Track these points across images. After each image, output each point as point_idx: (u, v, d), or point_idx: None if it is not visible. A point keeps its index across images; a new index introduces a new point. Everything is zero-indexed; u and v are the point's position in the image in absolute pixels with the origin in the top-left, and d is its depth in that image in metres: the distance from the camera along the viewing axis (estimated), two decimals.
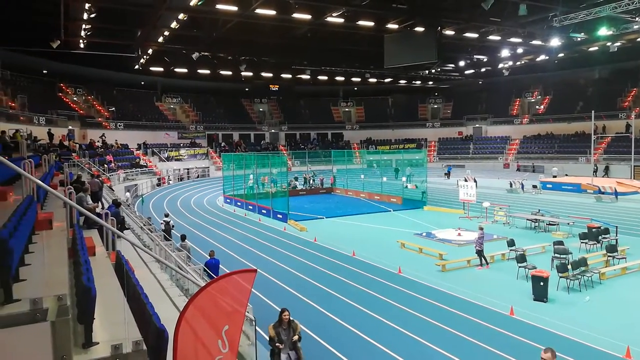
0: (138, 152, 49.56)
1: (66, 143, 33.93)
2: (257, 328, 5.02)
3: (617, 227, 19.45)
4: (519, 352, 9.66)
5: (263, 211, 29.05)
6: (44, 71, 49.51)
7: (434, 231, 22.13)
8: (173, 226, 20.19)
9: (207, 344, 4.26)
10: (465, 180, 28.49)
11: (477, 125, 68.62)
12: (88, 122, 48.66)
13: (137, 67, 47.08)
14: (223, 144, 61.71)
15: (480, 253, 16.13)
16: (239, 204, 32.80)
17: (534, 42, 40.85)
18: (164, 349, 4.22)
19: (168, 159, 52.41)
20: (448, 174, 50.82)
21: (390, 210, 29.45)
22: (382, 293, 13.54)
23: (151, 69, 50.29)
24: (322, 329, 11.04)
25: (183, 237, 15.34)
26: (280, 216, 26.74)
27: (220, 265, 13.42)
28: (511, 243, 17.18)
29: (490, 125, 67.87)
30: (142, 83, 60.39)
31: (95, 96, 54.69)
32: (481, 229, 16.61)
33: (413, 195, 32.84)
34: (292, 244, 20.53)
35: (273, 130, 68.75)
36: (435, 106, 74.24)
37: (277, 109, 72.16)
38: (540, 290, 12.74)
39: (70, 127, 43.11)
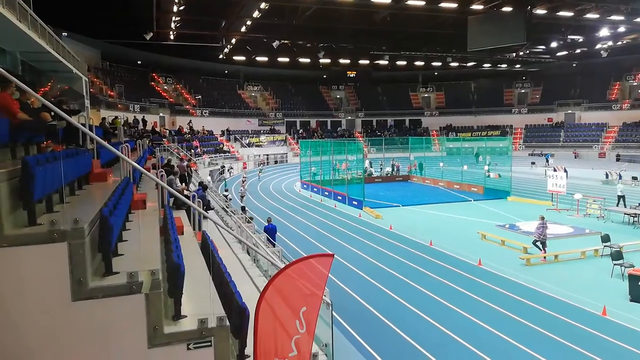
0: (221, 138, 51.88)
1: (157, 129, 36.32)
2: (333, 312, 5.07)
3: None
4: (612, 355, 8.95)
5: (339, 197, 29.24)
6: (138, 62, 53.21)
7: (518, 223, 20.98)
8: (231, 199, 22.18)
9: (285, 324, 4.39)
10: (555, 170, 26.61)
11: (569, 112, 63.66)
12: (177, 109, 51.71)
13: (221, 56, 49.09)
14: (301, 130, 62.78)
15: (538, 243, 15.65)
16: (315, 189, 33.28)
17: (638, 19, 36.85)
18: (245, 326, 4.42)
19: (249, 144, 54.34)
20: (547, 161, 47.26)
21: (470, 200, 28.36)
22: (461, 285, 13.13)
23: (234, 58, 52.19)
24: (398, 318, 10.96)
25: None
26: (356, 203, 26.76)
27: (297, 249, 13.75)
28: (606, 238, 15.84)
29: (585, 112, 62.60)
30: (226, 72, 62.94)
31: (183, 85, 57.92)
32: (542, 218, 15.97)
33: (496, 184, 31.32)
34: (367, 230, 20.50)
35: (349, 117, 68.69)
36: (523, 91, 69.88)
37: (354, 95, 71.90)
38: (638, 290, 11.65)
39: (161, 114, 46.11)
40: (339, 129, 66.49)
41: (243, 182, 29.99)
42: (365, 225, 21.76)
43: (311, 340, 4.57)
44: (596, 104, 61.17)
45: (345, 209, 26.27)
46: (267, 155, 54.40)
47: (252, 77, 65.29)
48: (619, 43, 47.84)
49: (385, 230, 20.57)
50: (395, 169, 40.75)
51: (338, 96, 71.71)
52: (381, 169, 41.56)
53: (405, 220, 22.39)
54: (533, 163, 48.25)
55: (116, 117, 25.65)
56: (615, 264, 13.67)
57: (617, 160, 49.99)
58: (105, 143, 4.93)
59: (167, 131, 40.55)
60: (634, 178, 35.12)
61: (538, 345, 9.45)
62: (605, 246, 15.58)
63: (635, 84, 59.83)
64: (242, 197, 25.92)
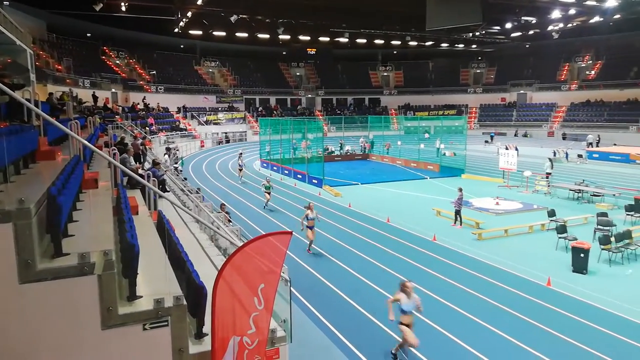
0: (178, 115, 50.51)
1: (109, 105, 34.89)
2: (291, 288, 5.14)
3: None
4: (555, 323, 9.54)
5: (298, 176, 29.28)
6: (88, 34, 50.56)
7: (471, 199, 21.76)
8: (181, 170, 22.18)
9: (244, 301, 4.43)
10: (506, 148, 27.62)
11: (521, 92, 65.85)
12: (130, 85, 49.74)
13: (176, 30, 47.38)
14: (260, 108, 61.97)
15: (457, 213, 17.34)
16: (275, 168, 33.15)
17: (588, 2, 38.24)
18: (202, 304, 4.42)
19: (206, 122, 53.20)
20: (491, 139, 49.61)
21: (426, 178, 29.08)
22: (416, 260, 13.56)
23: (190, 32, 50.49)
24: (356, 293, 11.22)
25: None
26: (316, 181, 26.90)
27: (256, 227, 13.73)
28: (552, 213, 16.71)
29: (536, 92, 64.93)
30: (182, 46, 60.88)
31: (136, 59, 55.64)
32: (460, 190, 17.41)
33: (451, 162, 32.23)
34: (326, 208, 20.69)
35: (309, 95, 68.33)
36: (478, 71, 71.55)
37: (314, 73, 71.41)
38: (580, 262, 12.42)
39: (113, 90, 44.26)
40: (299, 107, 66.09)
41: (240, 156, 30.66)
42: (325, 203, 21.95)
43: (269, 316, 4.63)
44: (546, 85, 63.52)
45: (305, 188, 26.38)
46: (226, 133, 53.46)
47: (209, 52, 63.50)
48: (569, 25, 49.53)
49: (344, 208, 20.84)
50: (363, 149, 41.01)
51: (298, 74, 71.02)
52: (341, 147, 41.80)
53: (364, 198, 22.74)
54: (486, 141, 49.90)
55: (64, 92, 24.43)
56: (559, 237, 14.47)
57: (564, 139, 52.46)
58: (52, 119, 4.72)
59: (120, 108, 39.04)
60: (579, 156, 37.01)
61: (487, 315, 9.94)
62: (551, 220, 16.44)
63: (583, 65, 62.41)
64: (240, 170, 29.00)
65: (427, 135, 46.27)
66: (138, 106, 43.23)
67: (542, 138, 54.51)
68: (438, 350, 8.52)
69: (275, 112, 60.87)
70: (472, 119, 64.57)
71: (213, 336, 4.22)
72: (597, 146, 42.25)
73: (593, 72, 60.69)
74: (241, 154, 31.26)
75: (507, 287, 11.53)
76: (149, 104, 45.89)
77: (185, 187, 12.43)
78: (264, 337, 4.56)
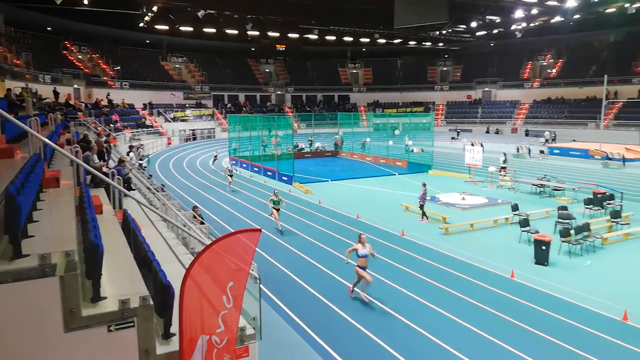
0: (144, 112, 49.41)
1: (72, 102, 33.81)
2: (261, 285, 5.14)
3: (622, 193, 19.39)
4: (519, 313, 9.86)
5: (268, 173, 29.15)
6: (48, 28, 48.80)
7: (438, 195, 22.20)
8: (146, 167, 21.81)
9: (212, 300, 4.39)
10: (472, 145, 28.28)
11: (486, 89, 67.45)
12: (93, 81, 48.35)
13: (142, 25, 46.29)
14: (229, 105, 61.30)
15: (422, 208, 17.70)
16: (244, 165, 32.90)
17: (550, 2, 39.51)
18: (170, 304, 4.36)
19: (174, 119, 52.26)
20: (457, 135, 50.81)
21: (395, 174, 29.46)
22: (385, 254, 13.74)
23: (156, 27, 49.52)
24: (326, 290, 11.29)
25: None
26: (286, 178, 26.85)
27: (225, 225, 13.60)
28: (515, 207, 17.24)
29: (500, 89, 66.67)
30: (148, 42, 59.56)
31: (100, 55, 54.08)
32: (424, 185, 17.83)
33: (419, 159, 32.75)
34: (297, 205, 20.70)
35: (279, 92, 68.06)
36: (445, 69, 72.86)
37: (284, 70, 71.16)
38: (541, 254, 12.87)
39: (75, 86, 42.88)
40: (268, 103, 65.74)
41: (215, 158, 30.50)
42: (295, 200, 21.95)
43: (238, 314, 4.61)
44: (510, 83, 65.28)
45: (275, 185, 26.28)
46: (194, 130, 52.67)
47: (176, 48, 62.32)
48: (532, 25, 51.10)
49: (314, 204, 20.89)
50: (337, 145, 41.13)
51: (267, 70, 70.61)
52: (310, 144, 41.84)
53: (334, 195, 22.86)
54: (453, 138, 50.90)
55: (23, 88, 23.52)
56: (522, 231, 14.95)
57: (526, 135, 54.07)
58: (10, 116, 4.56)
59: (83, 104, 37.84)
60: (541, 152, 38.25)
61: (453, 307, 10.18)
62: (514, 214, 16.96)
63: (545, 64, 64.42)
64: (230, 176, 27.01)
65: (397, 132, 46.91)
66: (102, 102, 42.05)
67: (507, 134, 56.08)
68: (405, 343, 8.67)
69: (244, 108, 60.36)
70: (439, 116, 65.74)
71: (181, 336, 4.17)
72: (553, 142, 43.80)
73: (554, 71, 62.73)
74: (216, 156, 30.63)
75: (473, 279, 11.83)
76: (113, 101, 44.70)
77: (151, 185, 12.19)
78: (233, 335, 4.54)
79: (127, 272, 4.50)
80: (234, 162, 34.70)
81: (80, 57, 51.61)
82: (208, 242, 5.12)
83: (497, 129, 59.00)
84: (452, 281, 11.70)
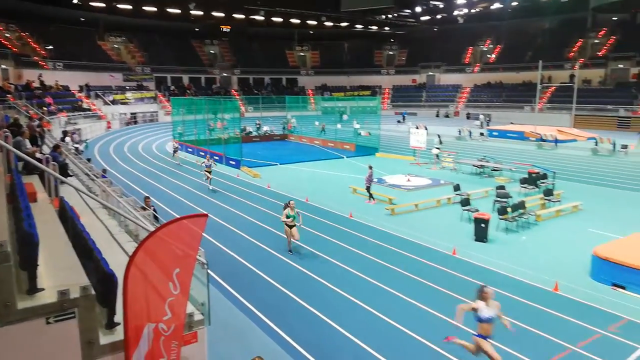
0: (80, 94, 46.83)
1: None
2: (209, 271, 5.09)
3: (554, 172, 20.66)
4: (460, 288, 10.36)
5: (215, 157, 28.59)
6: None
7: (385, 177, 22.70)
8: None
9: (158, 287, 4.31)
10: (417, 128, 29.04)
11: (430, 73, 69.20)
12: (23, 61, 45.15)
13: (76, 1, 43.45)
14: (172, 87, 59.28)
15: (368, 189, 18.02)
16: (189, 150, 32.08)
17: None
18: (113, 293, 4.23)
19: (113, 102, 49.91)
20: (403, 119, 51.96)
21: (343, 157, 29.79)
22: (334, 236, 13.95)
23: (91, 4, 46.68)
24: (276, 273, 11.33)
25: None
26: (234, 162, 26.47)
27: (171, 211, 13.28)
28: (457, 188, 17.96)
29: (443, 74, 68.61)
30: (82, 20, 56.10)
31: (30, 33, 50.42)
32: (370, 167, 18.15)
33: (366, 142, 33.26)
34: (245, 190, 20.52)
35: (225, 74, 66.56)
36: (391, 53, 73.92)
37: (229, 51, 69.51)
38: (481, 231, 13.54)
39: (3, 67, 39.87)
40: (214, 86, 64.15)
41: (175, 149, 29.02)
42: (244, 184, 21.73)
43: (186, 300, 4.56)
44: (453, 67, 67.33)
45: (223, 169, 25.85)
46: (135, 113, 50.59)
47: (114, 27, 59.22)
48: (473, 11, 52.75)
49: (263, 188, 20.78)
50: (291, 129, 40.86)
51: (212, 51, 68.71)
52: (258, 127, 41.39)
53: (283, 178, 22.83)
54: (399, 121, 52.00)
55: None
56: (463, 210, 15.64)
57: (467, 118, 56.20)
58: None
59: (13, 86, 35.35)
60: (481, 134, 39.90)
61: (400, 284, 10.55)
62: (456, 194, 17.67)
63: (485, 49, 66.83)
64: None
65: (345, 117, 47.26)
66: (33, 84, 39.41)
67: (455, 118, 58.00)
68: (354, 320, 8.91)
69: (188, 91, 58.62)
70: (386, 100, 66.84)
71: (126, 325, 4.07)
72: (487, 125, 45.79)
73: (493, 56, 65.26)
74: (177, 148, 29.30)
75: (417, 257, 12.29)
76: (45, 82, 42.00)
77: (90, 170, 11.64)
78: (180, 322, 4.48)
79: (66, 262, 4.31)
80: (179, 146, 33.70)
81: (7, 35, 47.92)
82: (152, 228, 4.99)
83: (447, 113, 60.77)
84: (397, 259, 12.08)
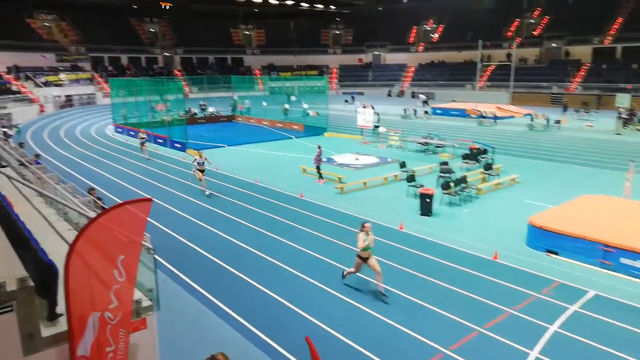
0: (8, 76, 43.64)
1: None
2: (156, 256, 4.99)
3: (494, 148, 21.64)
4: (408, 260, 10.75)
5: (159, 140, 27.72)
6: None
7: (334, 156, 22.90)
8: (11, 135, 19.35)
9: (102, 275, 4.19)
10: (364, 107, 29.37)
11: (376, 53, 69.82)
12: None
13: None
14: (110, 68, 56.43)
15: (318, 169, 18.15)
16: (131, 133, 30.85)
17: None
18: (53, 283, 4.07)
19: (46, 84, 46.91)
20: (352, 99, 52.28)
21: (292, 137, 29.71)
22: (286, 217, 14.00)
23: None
24: (228, 255, 11.25)
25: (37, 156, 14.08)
26: (179, 145, 25.76)
27: (115, 198, 12.80)
28: (403, 165, 18.44)
29: (389, 53, 69.43)
30: None
31: None
32: (319, 147, 18.32)
33: (314, 122, 33.30)
34: (192, 173, 20.04)
35: (167, 54, 64.12)
36: (337, 32, 73.78)
37: (170, 30, 66.81)
38: (426, 206, 14.04)
39: None
40: (155, 66, 61.68)
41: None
42: (190, 167, 21.17)
43: (132, 288, 4.46)
44: (398, 47, 68.25)
45: (167, 153, 25.14)
46: (71, 96, 47.86)
47: (44, 3, 55.23)
48: None
49: (211, 171, 20.37)
50: (236, 110, 40.01)
51: (152, 30, 65.77)
52: (203, 109, 40.37)
53: (231, 160, 22.51)
54: (346, 101, 52.34)
55: None
56: (409, 186, 16.12)
57: (413, 97, 57.45)
58: None
59: None
60: (426, 112, 40.95)
61: (348, 260, 10.76)
62: (402, 171, 18.15)
63: (428, 29, 68.09)
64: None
65: (293, 97, 46.91)
66: None
67: (402, 97, 59.01)
68: (305, 298, 9.05)
69: (128, 71, 56.03)
70: (333, 79, 66.94)
71: (69, 316, 3.94)
72: (427, 104, 47.04)
73: (437, 36, 66.68)
74: (143, 140, 23.97)
75: None
76: None
77: (22, 157, 10.96)
78: (127, 309, 4.39)
79: (1, 254, 4.09)
80: (119, 129, 32.29)
81: None
82: (93, 215, 4.81)
83: (399, 92, 61.65)
84: (346, 236, 12.30)
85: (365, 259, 9.11)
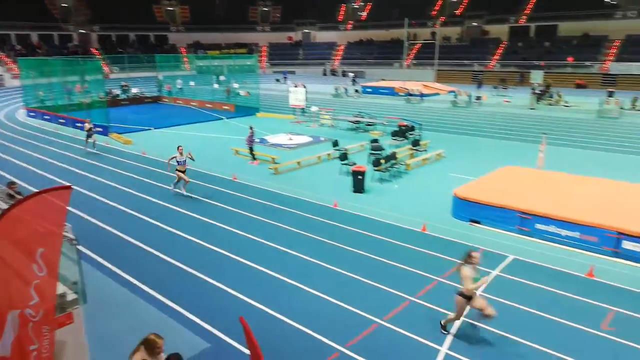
0: None
1: None
2: (79, 247, 4.75)
3: (421, 124, 22.48)
4: (341, 237, 11.01)
5: (78, 125, 25.95)
6: None
7: (267, 136, 22.71)
8: None
9: (20, 270, 3.94)
10: (295, 86, 29.25)
11: (305, 31, 69.38)
12: None
13: None
14: (18, 47, 51.70)
15: (251, 150, 18.17)
16: (46, 117, 28.65)
17: None
18: None
19: None
20: (284, 79, 51.81)
21: (223, 118, 29.03)
22: (218, 200, 13.75)
23: None
24: (155, 241, 10.90)
25: None
26: (100, 129, 24.28)
27: (31, 188, 11.91)
28: (335, 143, 18.68)
29: (319, 31, 69.26)
30: None
31: None
32: (251, 128, 18.36)
33: (246, 102, 32.71)
34: (117, 158, 19.09)
35: (82, 31, 59.69)
36: (265, 9, 72.33)
37: (84, 3, 62.10)
38: (358, 183, 14.39)
39: None
40: (69, 44, 57.32)
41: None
42: (114, 152, 20.18)
43: (54, 282, 4.23)
44: (327, 24, 68.20)
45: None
46: None
47: None
48: None
49: (137, 156, 19.52)
50: (162, 90, 38.25)
51: (64, 4, 60.78)
52: (125, 90, 38.28)
53: (159, 144, 21.65)
54: (277, 80, 51.82)
55: None
56: (342, 164, 16.40)
57: (344, 75, 57.98)
58: None
59: None
60: (356, 91, 41.54)
61: (284, 240, 10.86)
62: (335, 150, 18.40)
63: (356, 7, 68.53)
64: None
65: (222, 77, 45.66)
66: None
67: (334, 75, 59.20)
68: (240, 278, 9.03)
69: (39, 50, 51.66)
70: (263, 58, 65.85)
71: None
72: (356, 82, 47.87)
73: (364, 14, 67.33)
74: (90, 133, 20.33)
75: (302, 212, 12.70)
76: None
77: None
78: (50, 305, 4.16)
79: None
80: (32, 113, 29.87)
81: None
82: (5, 206, 4.47)
83: (332, 71, 61.75)
84: (283, 216, 12.37)
85: (469, 298, 7.07)
